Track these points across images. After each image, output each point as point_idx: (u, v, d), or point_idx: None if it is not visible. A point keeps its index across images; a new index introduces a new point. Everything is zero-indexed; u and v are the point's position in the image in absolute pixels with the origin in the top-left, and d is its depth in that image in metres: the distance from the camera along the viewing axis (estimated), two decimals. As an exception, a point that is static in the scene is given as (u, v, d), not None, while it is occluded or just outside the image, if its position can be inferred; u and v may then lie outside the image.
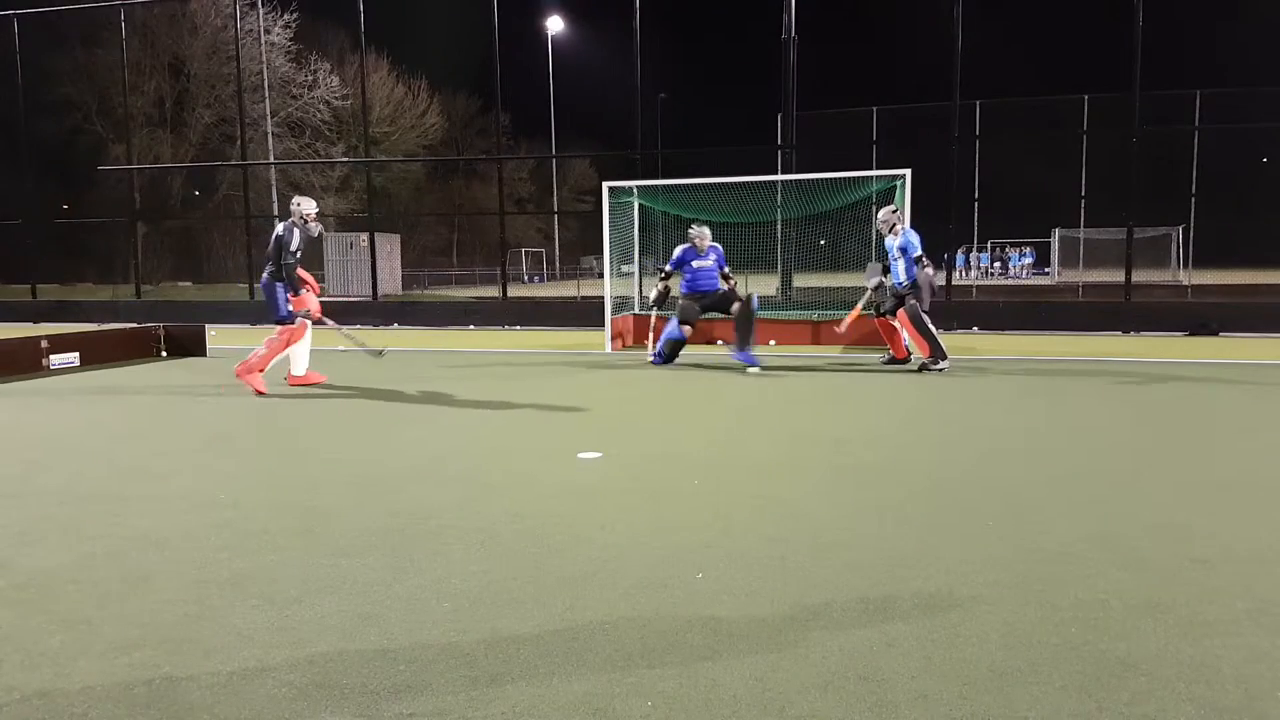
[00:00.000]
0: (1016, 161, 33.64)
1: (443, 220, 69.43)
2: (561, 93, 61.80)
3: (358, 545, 5.15)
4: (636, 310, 18.12)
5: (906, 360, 13.55)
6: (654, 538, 5.22)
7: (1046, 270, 47.97)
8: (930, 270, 13.25)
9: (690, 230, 13.96)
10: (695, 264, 13.80)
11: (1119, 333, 18.43)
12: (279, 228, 11.45)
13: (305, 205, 11.64)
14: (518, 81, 48.18)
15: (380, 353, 12.79)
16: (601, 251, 17.09)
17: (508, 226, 27.05)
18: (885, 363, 13.70)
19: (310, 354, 12.09)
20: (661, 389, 11.48)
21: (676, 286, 14.13)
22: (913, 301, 12.99)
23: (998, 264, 53.20)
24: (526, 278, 61.06)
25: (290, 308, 11.47)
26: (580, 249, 68.99)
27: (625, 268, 18.40)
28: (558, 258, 66.72)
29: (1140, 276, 25.07)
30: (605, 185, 16.76)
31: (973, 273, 47.30)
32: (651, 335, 14.76)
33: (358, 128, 49.07)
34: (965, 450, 7.56)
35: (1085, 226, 34.59)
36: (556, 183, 65.79)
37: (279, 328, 11.52)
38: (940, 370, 12.87)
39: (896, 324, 13.43)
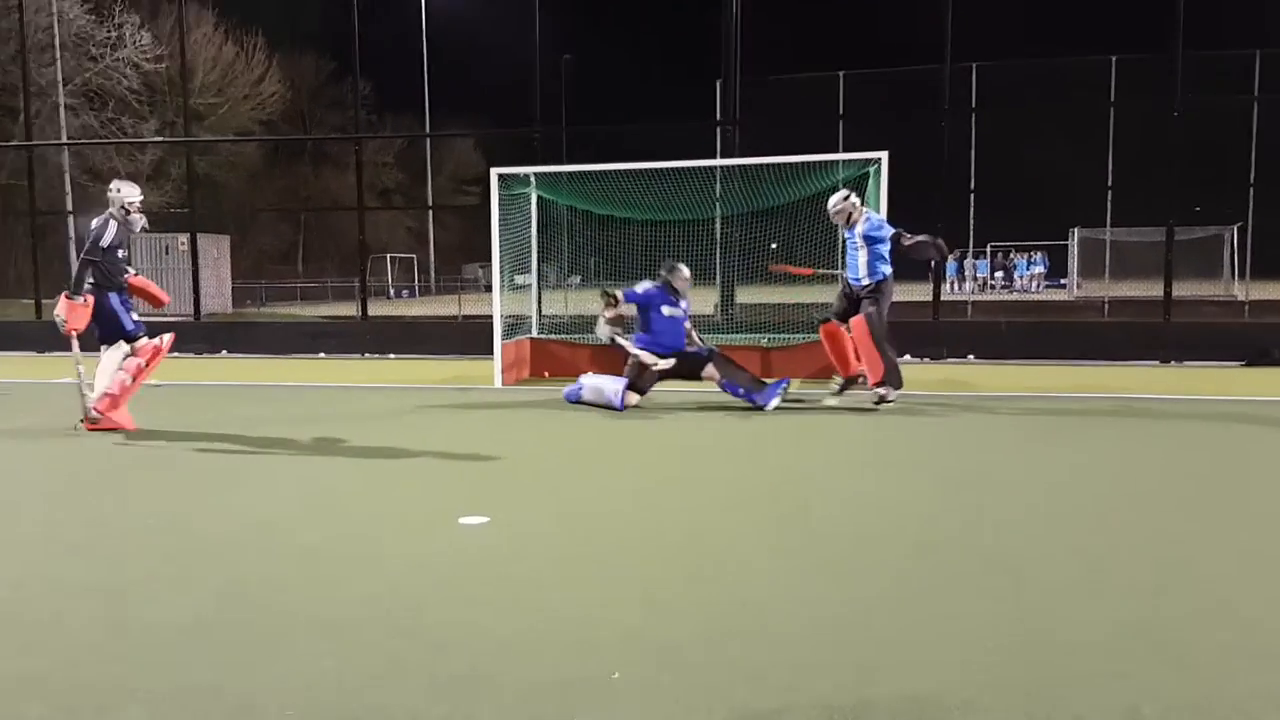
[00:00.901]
0: (1024, 142, 33.81)
1: (285, 218, 69.13)
2: (438, 54, 61.59)
3: (176, 637, 5.06)
4: (535, 333, 18.10)
5: (857, 379, 13.65)
6: (557, 626, 5.17)
7: (1062, 282, 48.49)
8: (924, 237, 13.36)
9: (667, 268, 13.91)
10: (666, 311, 13.62)
11: (1156, 362, 18.60)
12: (95, 220, 11.46)
13: (126, 192, 11.65)
14: (381, 40, 48.15)
15: (76, 427, 11.69)
16: (489, 258, 16.99)
17: (369, 226, 26.89)
18: (839, 389, 13.80)
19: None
20: (569, 434, 11.47)
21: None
22: (873, 309, 13.12)
23: (1000, 274, 53.76)
24: (393, 292, 60.69)
25: (135, 318, 11.58)
26: (462, 255, 68.97)
27: (520, 279, 18.35)
28: (433, 266, 66.57)
29: (1184, 290, 25.01)
30: (494, 172, 16.73)
31: (968, 285, 47.05)
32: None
33: (176, 98, 48.78)
34: (957, 512, 7.55)
35: (1112, 226, 34.73)
36: (432, 169, 65.67)
37: (138, 345, 11.56)
38: (889, 400, 13.11)
39: (849, 332, 13.50)
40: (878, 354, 13.07)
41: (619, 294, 13.69)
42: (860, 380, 13.58)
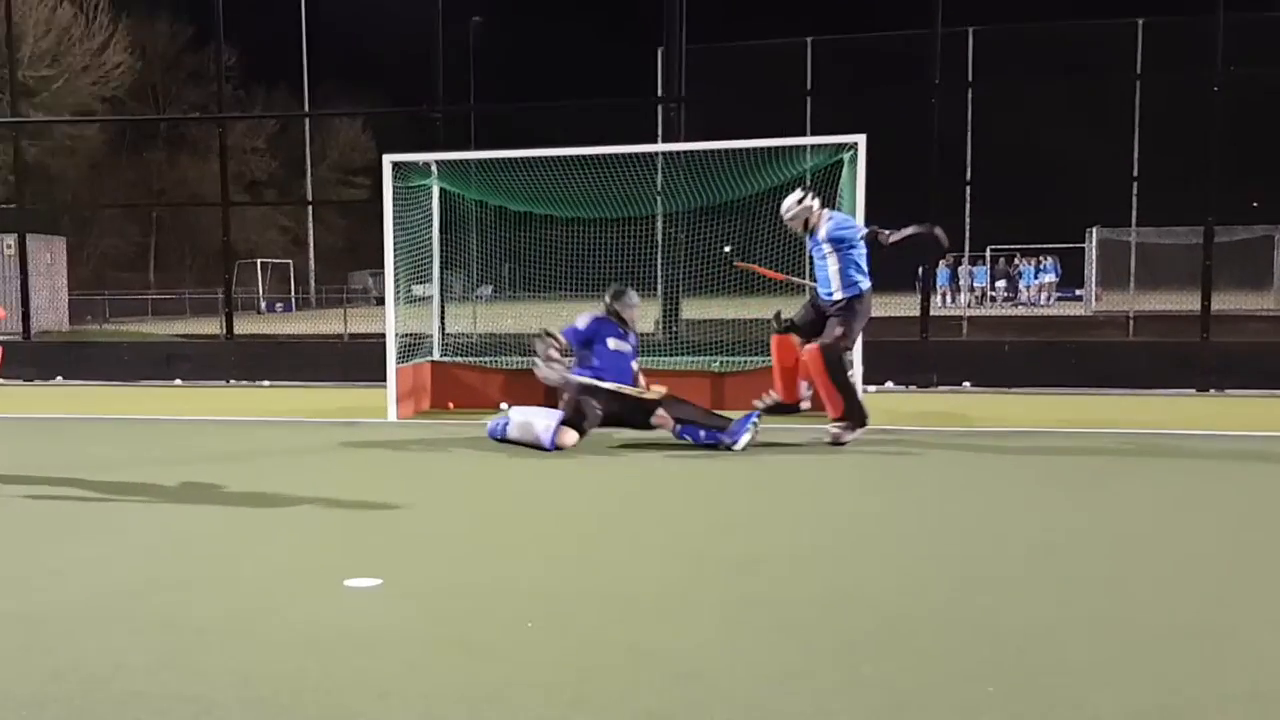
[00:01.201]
0: (1031, 124, 33.98)
1: (134, 216, 68.81)
2: (319, 17, 61.54)
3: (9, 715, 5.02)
4: (437, 355, 18.03)
5: (796, 408, 13.60)
6: (463, 713, 5.14)
7: (1078, 293, 48.80)
8: (913, 228, 13.25)
9: (613, 294, 13.89)
10: (612, 344, 13.55)
11: (1192, 390, 18.72)
12: None
13: None
14: (250, 1, 47.93)
15: None
16: (382, 265, 16.88)
17: (236, 225, 26.74)
18: (767, 410, 13.67)
19: None
20: (479, 478, 11.47)
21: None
22: (840, 331, 13.09)
23: (1002, 283, 54.02)
24: (265, 305, 60.52)
25: None
26: (349, 261, 68.95)
27: (419, 289, 18.26)
28: (314, 274, 66.45)
29: (1225, 302, 25.21)
30: (388, 160, 16.62)
31: (963, 297, 46.32)
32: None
33: (0, 71, 48.36)
34: (945, 575, 7.48)
35: (1139, 225, 34.91)
36: (312, 157, 65.59)
37: None
38: (843, 442, 13.10)
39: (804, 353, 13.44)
40: (835, 388, 13.10)
41: (559, 335, 13.51)
42: (801, 410, 13.55)
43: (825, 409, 13.24)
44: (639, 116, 25.35)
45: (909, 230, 13.00)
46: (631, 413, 13.26)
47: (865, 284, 13.20)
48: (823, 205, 13.79)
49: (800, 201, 13.57)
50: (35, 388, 21.00)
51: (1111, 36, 32.55)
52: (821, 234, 13.34)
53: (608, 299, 13.75)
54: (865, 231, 13.14)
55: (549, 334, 13.51)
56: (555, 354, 13.38)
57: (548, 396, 14.72)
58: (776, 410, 13.61)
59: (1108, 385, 18.75)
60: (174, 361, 23.22)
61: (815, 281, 13.63)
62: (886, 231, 13.05)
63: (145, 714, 5.06)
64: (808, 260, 14.23)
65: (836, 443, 13.10)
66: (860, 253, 13.14)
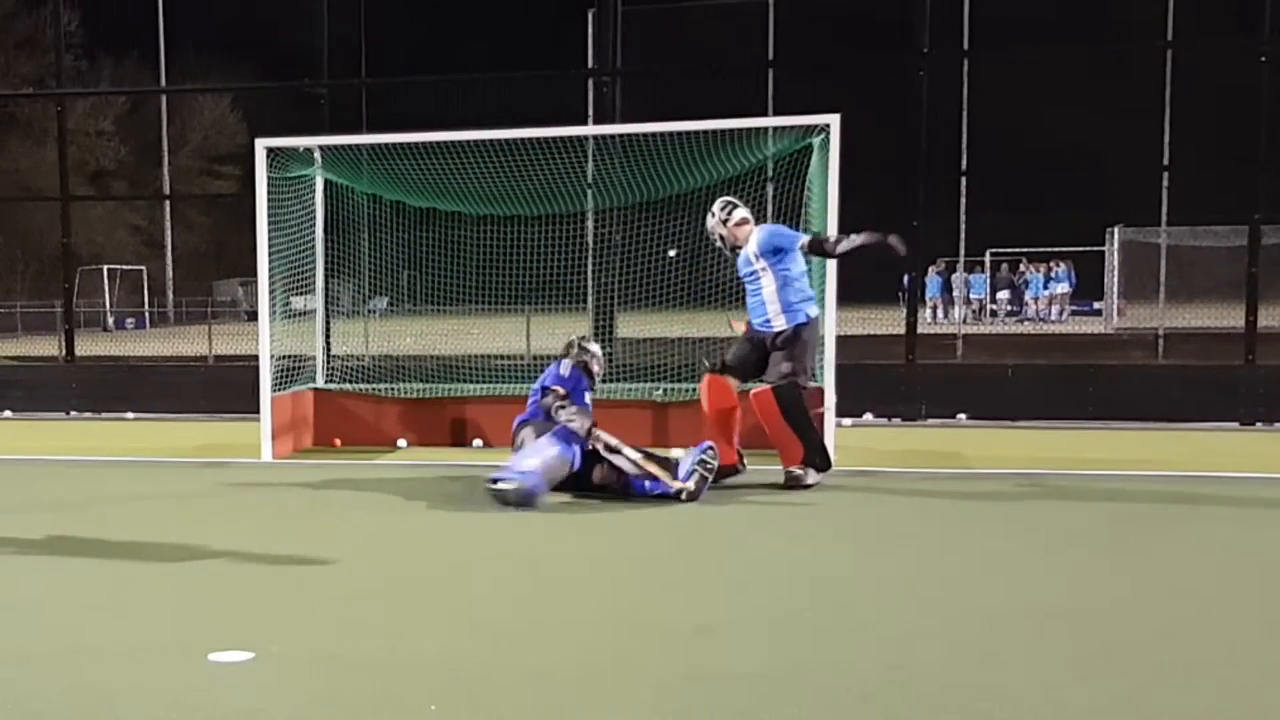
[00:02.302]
0: (1039, 103, 34.02)
1: (-49, 212, 68.49)
2: (179, -26, 61.48)
3: None
4: (321, 382, 17.99)
5: (735, 470, 13.59)
6: None
7: (1096, 306, 48.87)
8: (859, 237, 13.28)
9: (578, 349, 13.97)
10: (588, 398, 13.71)
11: (1235, 424, 18.85)
12: None
13: None
14: (96, -49, 47.86)
15: None
16: (254, 272, 16.84)
17: (79, 223, 26.72)
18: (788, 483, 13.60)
19: None
20: (375, 530, 11.47)
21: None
22: (788, 368, 13.15)
23: (1004, 294, 54.09)
24: (113, 321, 60.33)
25: None
26: (214, 268, 68.85)
27: (300, 302, 18.20)
28: (172, 283, 66.29)
29: (1276, 317, 25.00)
30: (261, 145, 16.58)
31: (957, 310, 46.57)
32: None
33: None
34: (930, 652, 7.44)
35: (1169, 224, 34.89)
36: (169, 142, 65.38)
37: None
38: (804, 485, 13.17)
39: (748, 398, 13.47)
40: (793, 432, 13.18)
41: (559, 388, 13.52)
42: (740, 470, 13.51)
43: (779, 457, 13.30)
44: (565, 92, 25.33)
45: (859, 239, 13.02)
46: (575, 478, 13.12)
47: (812, 311, 13.25)
48: (735, 215, 13.82)
49: (727, 208, 13.68)
50: None
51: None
52: (751, 248, 13.37)
53: (574, 354, 13.85)
54: (805, 239, 13.14)
55: (550, 389, 13.59)
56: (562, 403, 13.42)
57: (453, 431, 14.71)
58: (719, 475, 13.46)
59: (1133, 418, 18.83)
60: (3, 389, 23.09)
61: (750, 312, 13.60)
62: (832, 239, 13.08)
63: None
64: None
65: (795, 485, 13.16)
66: (800, 269, 13.18)
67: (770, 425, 13.18)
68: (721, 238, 13.64)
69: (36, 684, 6.79)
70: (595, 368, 13.91)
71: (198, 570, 9.85)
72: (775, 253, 13.19)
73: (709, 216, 13.76)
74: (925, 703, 6.45)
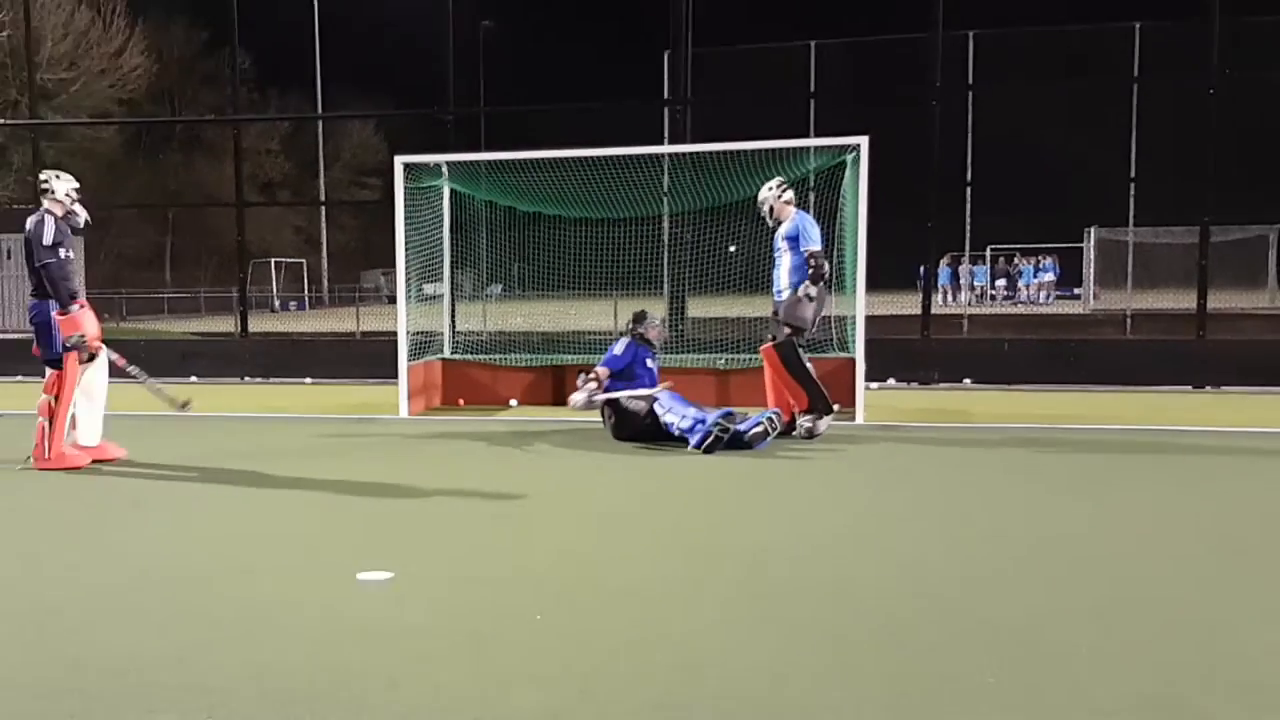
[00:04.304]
0: (1030, 125, 33.96)
1: (150, 216, 68.82)
2: (331, 22, 61.53)
3: (17, 712, 5.01)
4: (448, 353, 18.02)
5: (793, 425, 13.50)
6: (472, 703, 5.13)
7: (1076, 292, 48.71)
8: (822, 284, 13.37)
9: (636, 319, 14.06)
10: (649, 364, 13.81)
11: (1188, 388, 18.73)
12: (30, 219, 11.60)
13: (62, 183, 11.84)
14: (264, 4, 47.93)
15: (184, 405, 12.76)
16: (393, 264, 16.90)
17: (251, 225, 26.74)
18: (800, 434, 13.54)
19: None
20: (486, 474, 11.40)
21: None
22: (787, 331, 13.25)
23: (1002, 282, 53.98)
24: (279, 304, 60.50)
25: (68, 342, 11.57)
26: (361, 260, 68.91)
27: (430, 288, 18.27)
28: (326, 274, 66.46)
29: (1222, 300, 25.10)
30: (399, 161, 16.65)
31: (963, 295, 45.88)
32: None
33: (18, 73, 48.32)
34: (948, 569, 7.50)
35: (1136, 225, 34.95)
36: (325, 158, 65.55)
37: (48, 378, 11.70)
38: (818, 433, 13.24)
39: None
40: (795, 380, 13.28)
41: (600, 370, 13.61)
42: (794, 426, 13.51)
43: (793, 404, 13.36)
44: (646, 118, 25.31)
45: (810, 289, 13.07)
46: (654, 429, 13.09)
47: (812, 290, 13.21)
48: (798, 203, 13.90)
49: (775, 188, 13.70)
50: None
51: (1109, 40, 32.73)
52: (784, 229, 13.48)
53: (632, 325, 13.94)
54: (812, 250, 13.14)
55: (587, 373, 13.70)
56: (593, 386, 13.52)
57: (554, 392, 14.77)
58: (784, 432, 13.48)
59: (1105, 382, 18.73)
60: (189, 359, 23.18)
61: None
62: (812, 273, 13.08)
63: (161, 705, 5.05)
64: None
65: (810, 435, 13.23)
66: (805, 251, 13.18)
67: (776, 374, 13.33)
68: (771, 209, 13.64)
69: (214, 599, 6.85)
70: (652, 335, 13.90)
71: (348, 504, 9.92)
72: (795, 240, 13.27)
73: (764, 188, 13.75)
74: (940, 612, 6.48)
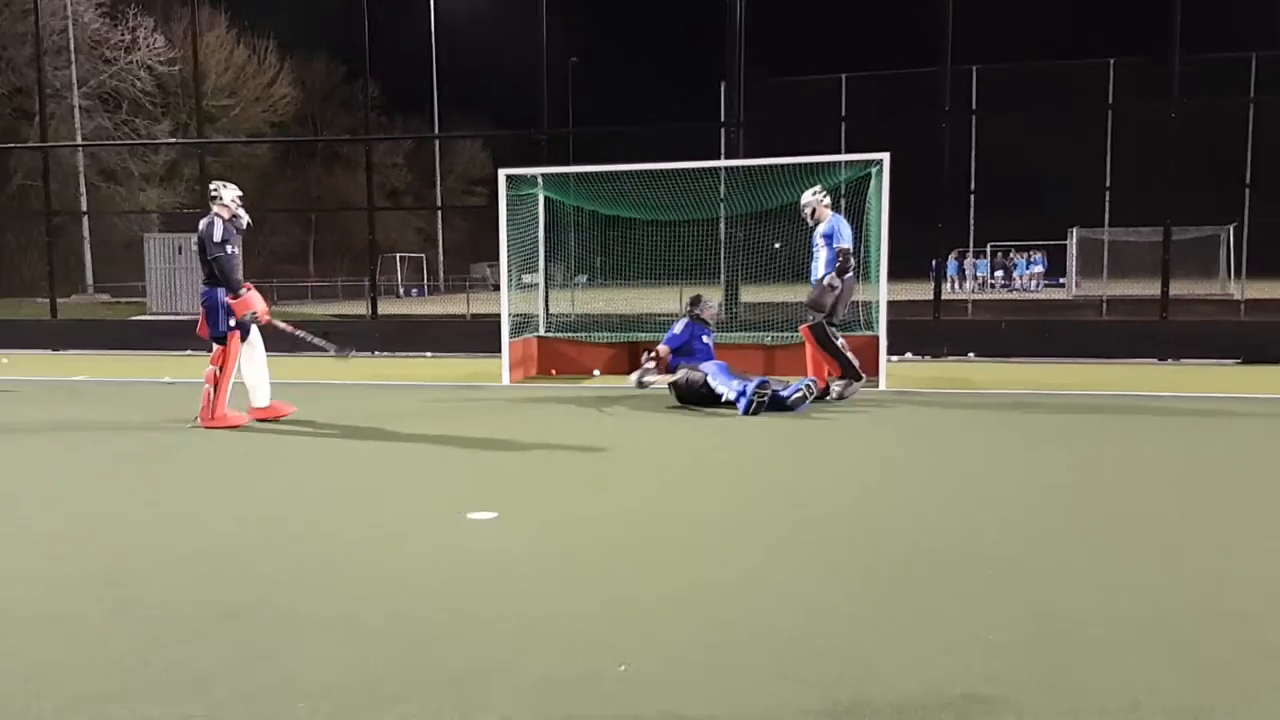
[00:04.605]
0: (1023, 143, 33.81)
1: (296, 218, 69.00)
2: (446, 57, 61.60)
3: (186, 630, 5.04)
4: (542, 331, 18.11)
5: (827, 391, 13.57)
6: (564, 621, 5.17)
7: (1061, 281, 48.27)
8: (850, 276, 13.53)
9: (693, 302, 14.20)
10: (705, 340, 13.97)
11: (1154, 360, 18.58)
12: (202, 221, 11.89)
13: (229, 191, 12.13)
14: (391, 43, 48.08)
15: (348, 354, 13.95)
16: (497, 258, 17.01)
17: (379, 226, 26.88)
18: (834, 397, 13.66)
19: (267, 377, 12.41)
20: (574, 432, 11.40)
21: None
22: (814, 319, 13.48)
23: (999, 273, 53.59)
24: (403, 291, 60.57)
25: (231, 323, 11.83)
26: (470, 254, 68.85)
27: (528, 278, 18.35)
28: (442, 266, 66.50)
29: (1181, 289, 25.02)
30: (502, 173, 16.74)
31: (968, 284, 47.07)
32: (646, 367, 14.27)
33: (188, 101, 48.72)
34: (959, 512, 7.52)
35: (1110, 225, 34.84)
36: (440, 171, 65.73)
37: (214, 352, 11.92)
38: (847, 396, 13.44)
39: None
40: (829, 355, 13.47)
41: (661, 348, 13.81)
42: (829, 392, 13.59)
43: (828, 372, 13.56)
44: (705, 138, 25.28)
45: (832, 282, 13.26)
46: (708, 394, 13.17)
47: (837, 282, 13.36)
48: (833, 206, 14.06)
49: (816, 194, 13.79)
50: (203, 358, 21.13)
51: (1089, 74, 32.58)
52: (821, 229, 13.56)
53: (689, 308, 14.05)
54: (848, 248, 13.31)
55: (649, 351, 14.06)
56: (650, 366, 13.87)
57: (630, 365, 14.92)
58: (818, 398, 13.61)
59: (1085, 355, 18.65)
60: (330, 337, 23.24)
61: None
62: (839, 269, 13.26)
63: (308, 622, 5.13)
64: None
65: (841, 396, 13.42)
66: (836, 248, 13.28)
67: (814, 349, 13.50)
68: (813, 211, 13.69)
69: (348, 532, 6.96)
70: (707, 315, 14.00)
71: (460, 455, 10.00)
72: (830, 238, 13.37)
73: (808, 193, 13.80)
74: (951, 546, 6.59)
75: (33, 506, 7.97)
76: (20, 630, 5.08)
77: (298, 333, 12.92)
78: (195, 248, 11.85)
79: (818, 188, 13.98)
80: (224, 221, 11.87)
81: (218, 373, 11.75)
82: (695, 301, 14.05)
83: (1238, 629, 5.01)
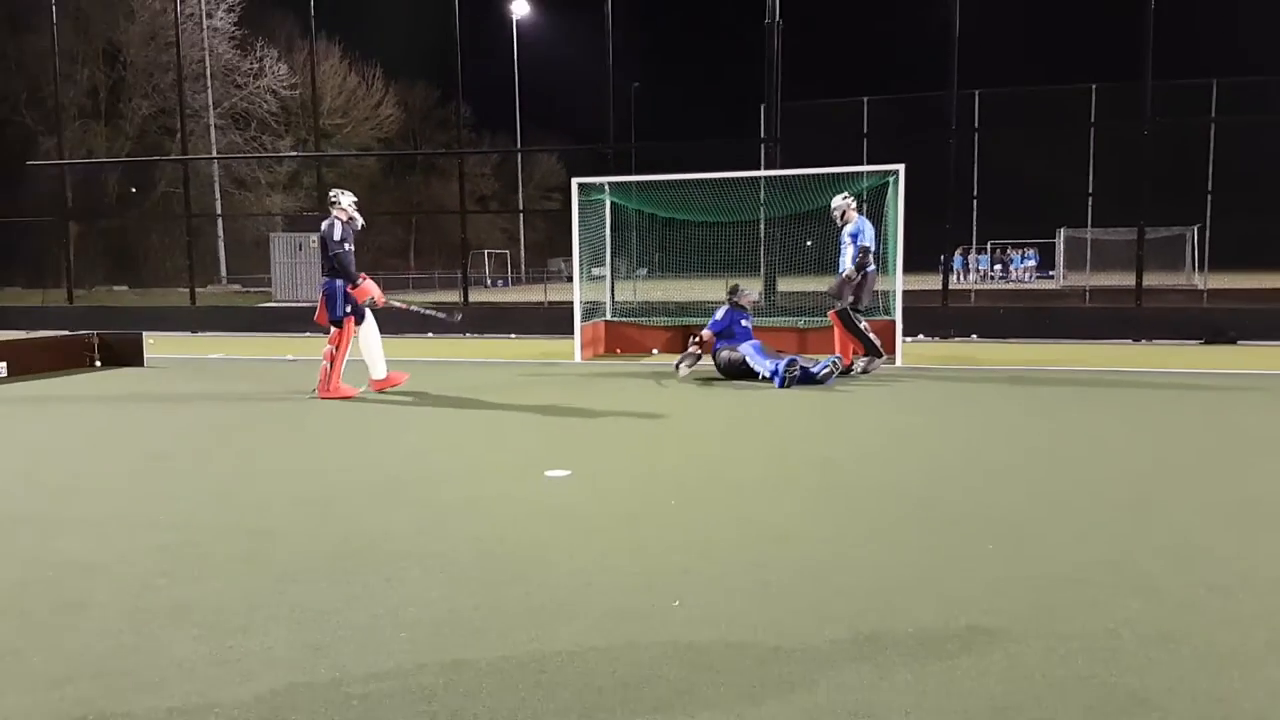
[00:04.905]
0: (1018, 156, 33.68)
1: (399, 220, 69.12)
2: (527, 82, 61.69)
3: (307, 571, 5.09)
4: (609, 316, 18.12)
5: (850, 368, 13.61)
6: (627, 562, 5.19)
7: (1051, 273, 48.06)
8: (873, 269, 13.61)
9: (731, 290, 13.96)
10: (744, 324, 13.75)
11: (1129, 341, 18.51)
12: (324, 224, 12.13)
13: (346, 197, 12.33)
14: (480, 70, 48.34)
15: (456, 316, 14.39)
16: (570, 253, 17.06)
17: (469, 227, 26.95)
18: (858, 371, 13.68)
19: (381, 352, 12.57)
20: (635, 402, 11.42)
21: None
22: (838, 307, 13.54)
23: (998, 267, 53.21)
24: (489, 282, 60.72)
25: (347, 309, 12.01)
26: (547, 251, 68.84)
27: (596, 270, 18.36)
28: (523, 260, 66.55)
29: (1152, 280, 25.04)
30: (574, 182, 16.77)
31: (971, 276, 47.16)
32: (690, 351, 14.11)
33: (307, 120, 49.00)
34: (963, 469, 7.53)
35: (1093, 226, 34.77)
36: (522, 179, 65.88)
37: (331, 334, 12.07)
38: (870, 371, 13.51)
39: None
40: (854, 336, 13.55)
41: (705, 333, 13.74)
42: (852, 368, 13.63)
43: (856, 350, 13.67)
44: (748, 152, 25.24)
45: (871, 266, 13.54)
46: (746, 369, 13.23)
47: (850, 265, 13.46)
48: (859, 210, 14.11)
49: (845, 198, 13.83)
50: (312, 340, 21.27)
51: (1074, 96, 32.87)
52: (848, 229, 13.56)
53: (729, 295, 13.87)
54: (868, 245, 13.37)
55: (695, 336, 14.00)
56: (695, 351, 13.75)
57: (683, 345, 14.90)
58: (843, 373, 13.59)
59: (1071, 337, 18.73)
60: (428, 320, 23.36)
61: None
62: (857, 266, 13.37)
63: (409, 564, 5.17)
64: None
65: (865, 371, 13.50)
66: (860, 245, 13.41)
67: (840, 331, 13.60)
68: (842, 213, 13.68)
69: (445, 491, 6.91)
70: (744, 302, 13.80)
71: (537, 419, 10.05)
72: (855, 237, 13.39)
73: (838, 197, 13.83)
74: (958, 499, 6.58)
75: (185, 464, 8.06)
76: (175, 570, 5.14)
77: (411, 307, 13.27)
78: (316, 245, 12.00)
79: (846, 194, 13.99)
80: (342, 223, 12.01)
81: (334, 351, 11.89)
82: (733, 290, 13.94)
83: (1193, 565, 5.04)
